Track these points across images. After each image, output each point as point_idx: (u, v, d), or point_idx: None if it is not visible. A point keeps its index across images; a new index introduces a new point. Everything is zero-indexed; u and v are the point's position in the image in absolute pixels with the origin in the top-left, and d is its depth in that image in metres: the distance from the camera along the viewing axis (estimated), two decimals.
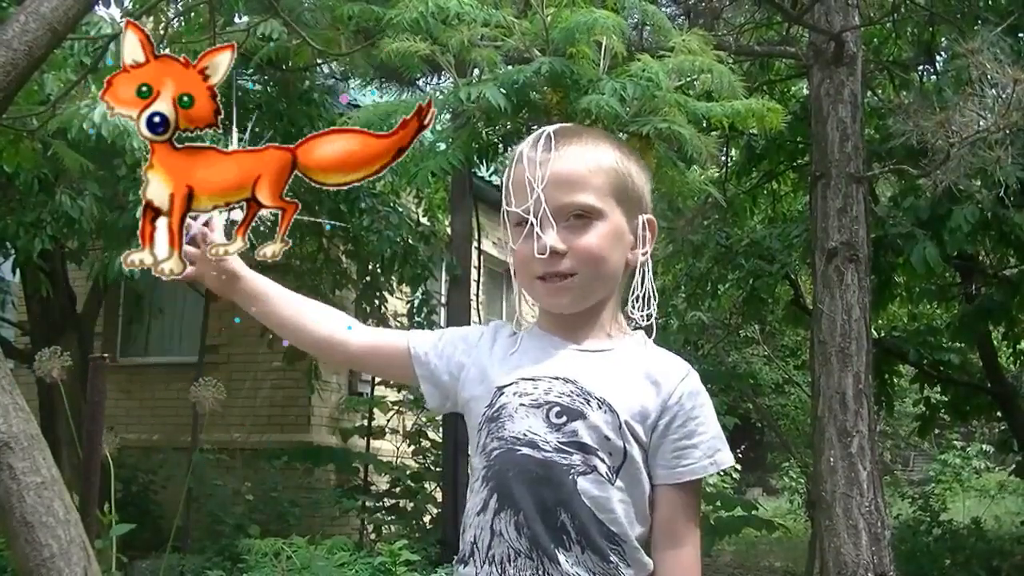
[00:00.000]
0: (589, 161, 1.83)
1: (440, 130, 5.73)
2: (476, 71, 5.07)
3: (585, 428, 1.77)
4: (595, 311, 1.88)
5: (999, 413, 11.56)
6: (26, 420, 3.69)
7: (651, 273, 1.90)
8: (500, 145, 5.69)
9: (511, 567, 1.75)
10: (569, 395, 1.79)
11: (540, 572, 1.73)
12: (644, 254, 1.88)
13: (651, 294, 1.89)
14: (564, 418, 1.77)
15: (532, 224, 1.80)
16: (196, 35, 6.55)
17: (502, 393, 1.83)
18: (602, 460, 1.76)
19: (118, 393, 10.55)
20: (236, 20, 7.26)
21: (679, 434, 1.81)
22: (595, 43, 4.67)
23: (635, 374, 1.83)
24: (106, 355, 6.45)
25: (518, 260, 1.86)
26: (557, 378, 1.81)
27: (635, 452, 1.78)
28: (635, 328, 1.91)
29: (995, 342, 11.13)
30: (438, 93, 6.24)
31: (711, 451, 1.82)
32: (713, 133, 6.08)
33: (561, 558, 1.72)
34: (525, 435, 1.78)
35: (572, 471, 1.76)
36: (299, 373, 10.37)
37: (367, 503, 10.50)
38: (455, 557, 1.86)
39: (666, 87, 4.61)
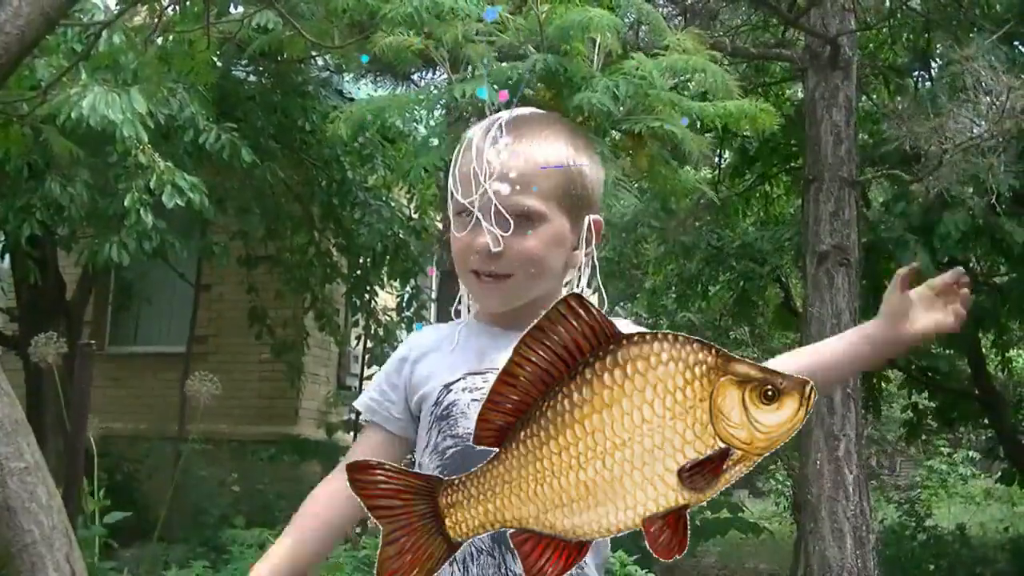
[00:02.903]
0: (539, 159, 1.77)
1: (433, 126, 5.72)
2: (470, 67, 5.04)
3: None
4: (536, 302, 1.81)
5: (986, 420, 11.59)
6: (10, 405, 3.67)
7: (598, 273, 1.85)
8: None
9: (474, 566, 1.72)
10: None
11: (503, 569, 1.71)
12: (587, 254, 1.84)
13: (601, 294, 1.87)
14: None
15: (474, 218, 1.76)
16: (190, 24, 6.52)
17: (449, 390, 1.80)
18: None
19: (106, 381, 10.48)
20: (232, 10, 7.23)
21: None
22: (589, 40, 4.65)
23: None
24: (92, 342, 6.43)
25: (456, 250, 1.82)
26: None
27: None
28: None
29: (984, 349, 11.14)
30: (432, 89, 6.22)
31: None
32: (707, 135, 6.08)
33: None
34: None
35: None
36: (288, 364, 10.31)
37: None
38: None
39: (660, 86, 4.60)
